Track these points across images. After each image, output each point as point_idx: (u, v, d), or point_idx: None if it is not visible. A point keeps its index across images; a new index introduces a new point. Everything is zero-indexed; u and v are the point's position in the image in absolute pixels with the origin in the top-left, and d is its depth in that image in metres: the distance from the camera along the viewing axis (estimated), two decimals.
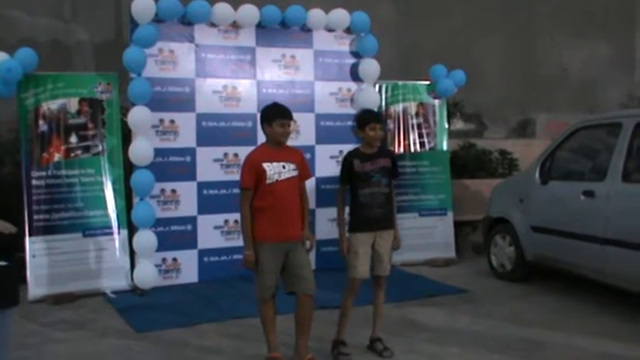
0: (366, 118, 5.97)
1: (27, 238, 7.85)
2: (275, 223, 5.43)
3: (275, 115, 5.52)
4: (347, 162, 5.92)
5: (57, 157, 8.07)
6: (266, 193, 5.41)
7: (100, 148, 8.26)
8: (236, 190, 8.49)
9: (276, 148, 5.55)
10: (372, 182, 5.85)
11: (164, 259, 8.47)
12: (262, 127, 5.62)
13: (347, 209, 5.99)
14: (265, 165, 5.42)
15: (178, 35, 8.54)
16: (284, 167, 5.48)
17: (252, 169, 5.43)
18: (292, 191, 5.54)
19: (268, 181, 5.40)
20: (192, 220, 8.65)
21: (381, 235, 5.94)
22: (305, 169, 5.74)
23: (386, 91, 9.85)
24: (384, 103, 9.77)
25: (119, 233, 8.31)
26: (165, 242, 8.35)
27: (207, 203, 8.69)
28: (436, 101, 10.11)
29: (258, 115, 8.62)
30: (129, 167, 8.28)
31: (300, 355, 5.64)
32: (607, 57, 14.31)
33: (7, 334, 4.12)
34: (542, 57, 13.76)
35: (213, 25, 8.68)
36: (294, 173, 5.54)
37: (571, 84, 13.88)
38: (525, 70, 13.61)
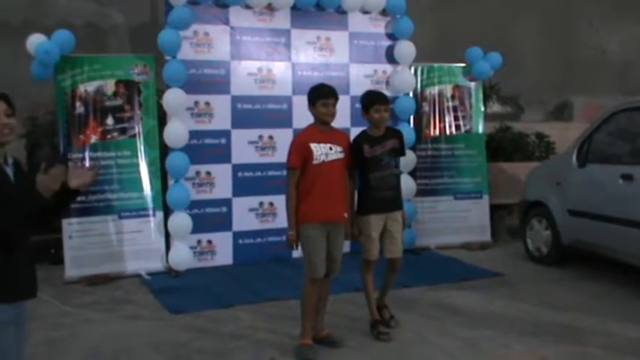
0: (371, 100, 5.88)
1: (64, 220, 7.95)
2: (320, 203, 5.45)
3: (318, 95, 5.53)
4: (357, 147, 5.80)
5: (93, 138, 8.14)
6: (312, 173, 5.43)
7: (136, 130, 8.31)
8: (271, 173, 8.64)
9: (324, 130, 5.56)
10: (382, 165, 5.83)
11: (199, 241, 8.52)
12: (309, 109, 5.62)
13: None
14: (312, 145, 5.44)
15: (213, 17, 8.53)
16: (331, 149, 5.50)
17: (300, 149, 5.45)
18: (337, 173, 5.57)
19: (315, 162, 5.42)
20: (227, 203, 8.68)
21: (392, 217, 5.94)
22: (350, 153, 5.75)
23: (421, 74, 9.77)
24: (419, 86, 9.71)
25: (154, 215, 8.37)
26: (200, 224, 8.40)
27: (242, 185, 8.71)
28: (472, 84, 10.01)
29: (294, 98, 8.81)
30: (165, 149, 8.33)
31: (317, 331, 5.77)
32: None
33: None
34: (581, 39, 13.54)
35: (248, 7, 8.65)
36: (341, 156, 5.56)
37: (610, 66, 13.64)
38: (563, 52, 13.41)
